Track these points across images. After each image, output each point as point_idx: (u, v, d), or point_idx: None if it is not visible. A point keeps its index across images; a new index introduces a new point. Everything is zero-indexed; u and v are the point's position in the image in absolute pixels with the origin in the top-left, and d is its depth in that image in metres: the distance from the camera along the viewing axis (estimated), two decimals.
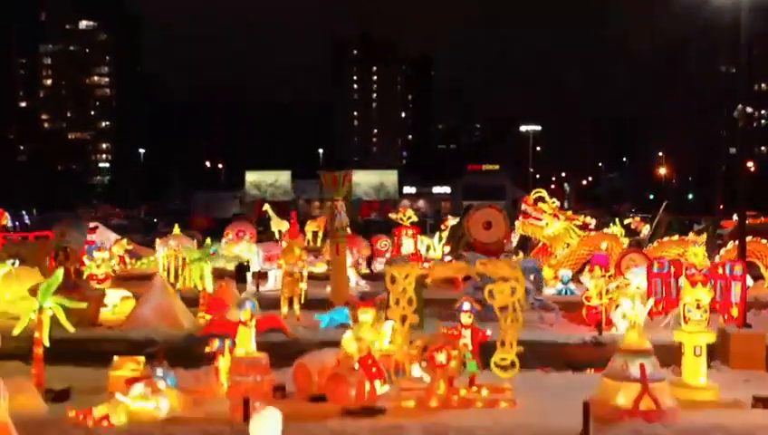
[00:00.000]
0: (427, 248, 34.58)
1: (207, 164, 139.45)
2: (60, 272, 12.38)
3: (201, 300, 18.61)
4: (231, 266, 26.32)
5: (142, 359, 12.54)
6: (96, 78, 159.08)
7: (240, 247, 27.50)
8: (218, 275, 22.58)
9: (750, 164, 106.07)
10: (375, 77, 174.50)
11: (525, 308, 14.07)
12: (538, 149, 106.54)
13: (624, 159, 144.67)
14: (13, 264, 20.55)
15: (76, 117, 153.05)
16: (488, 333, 12.13)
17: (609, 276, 18.27)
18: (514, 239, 30.17)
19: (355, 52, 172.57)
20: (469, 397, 11.51)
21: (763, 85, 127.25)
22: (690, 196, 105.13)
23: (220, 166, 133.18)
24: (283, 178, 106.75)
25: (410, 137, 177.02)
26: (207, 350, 12.47)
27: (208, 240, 22.68)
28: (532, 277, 20.12)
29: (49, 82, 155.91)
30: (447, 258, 28.10)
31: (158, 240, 28.52)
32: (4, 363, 13.36)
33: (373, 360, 11.23)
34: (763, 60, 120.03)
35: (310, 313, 19.04)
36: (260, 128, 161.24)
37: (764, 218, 46.00)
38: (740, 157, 27.83)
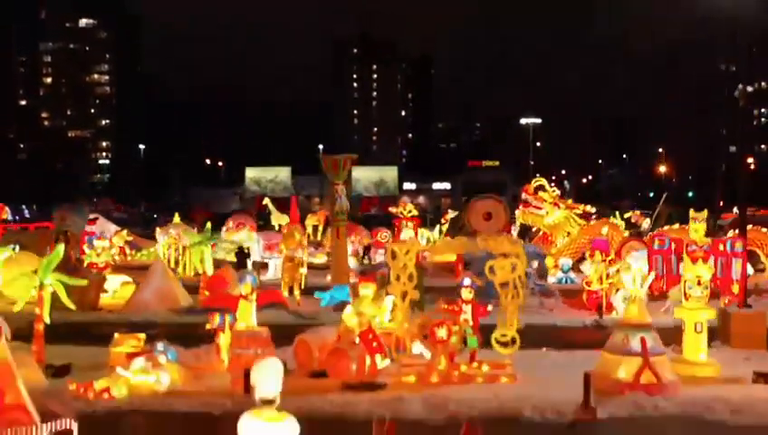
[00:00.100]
0: (427, 241, 34.56)
1: (207, 161, 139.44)
2: (61, 247, 12.38)
3: (201, 284, 18.59)
4: (231, 257, 26.29)
5: (143, 336, 12.55)
6: (96, 76, 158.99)
7: (240, 235, 27.47)
8: (218, 266, 22.62)
9: (750, 160, 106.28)
10: (375, 75, 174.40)
11: (526, 294, 14.08)
12: (538, 144, 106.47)
13: (624, 155, 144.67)
14: (13, 249, 20.52)
15: (76, 115, 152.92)
16: (489, 308, 12.13)
17: (610, 261, 18.28)
18: (514, 231, 30.17)
19: (355, 50, 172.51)
20: (470, 372, 11.51)
21: (763, 84, 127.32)
22: (690, 194, 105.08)
23: (220, 164, 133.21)
24: (282, 174, 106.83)
25: (410, 136, 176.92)
26: (208, 327, 12.46)
27: (208, 224, 22.68)
28: (535, 264, 20.12)
29: (49, 80, 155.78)
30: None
31: (158, 229, 28.48)
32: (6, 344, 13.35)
33: (374, 334, 11.23)
34: (764, 59, 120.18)
35: (310, 299, 19.03)
36: (260, 128, 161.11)
37: (764, 211, 46.03)
38: (740, 139, 27.83)
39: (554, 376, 11.44)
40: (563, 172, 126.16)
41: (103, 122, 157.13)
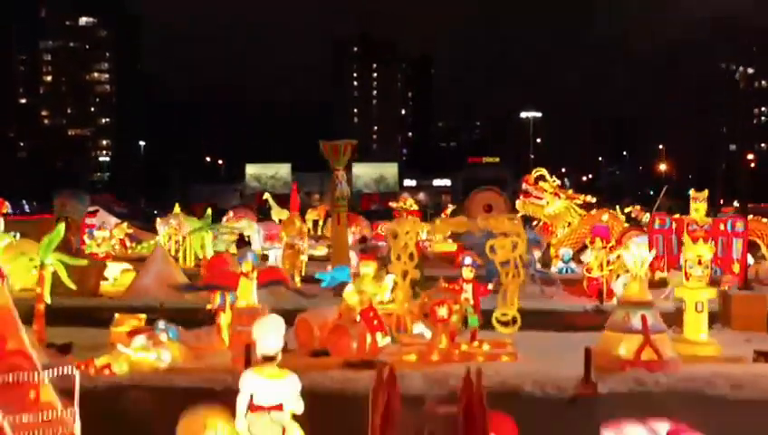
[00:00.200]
0: (427, 235, 34.55)
1: (207, 159, 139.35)
2: (62, 226, 12.37)
3: (202, 270, 18.55)
4: (232, 250, 26.25)
5: (143, 316, 12.56)
6: (96, 74, 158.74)
7: (241, 224, 27.40)
8: None
9: (750, 156, 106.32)
10: (375, 74, 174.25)
11: (526, 281, 14.08)
12: (538, 140, 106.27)
13: (624, 153, 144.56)
14: (14, 236, 20.50)
15: (76, 113, 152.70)
16: (489, 287, 12.14)
17: (610, 248, 18.28)
18: None
19: (355, 50, 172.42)
20: (470, 351, 11.51)
21: (763, 82, 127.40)
22: (690, 193, 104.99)
23: (220, 162, 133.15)
24: (282, 170, 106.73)
25: (410, 134, 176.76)
26: (209, 307, 12.47)
27: (209, 211, 22.68)
28: (538, 254, 20.12)
29: (49, 78, 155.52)
30: (449, 241, 28.18)
31: (158, 219, 28.46)
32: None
33: (374, 312, 11.24)
34: (763, 58, 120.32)
35: (310, 286, 19.00)
36: (260, 128, 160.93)
37: (764, 204, 46.07)
38: (739, 121, 27.76)
39: (555, 355, 11.43)
40: (563, 170, 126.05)
41: (103, 121, 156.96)
